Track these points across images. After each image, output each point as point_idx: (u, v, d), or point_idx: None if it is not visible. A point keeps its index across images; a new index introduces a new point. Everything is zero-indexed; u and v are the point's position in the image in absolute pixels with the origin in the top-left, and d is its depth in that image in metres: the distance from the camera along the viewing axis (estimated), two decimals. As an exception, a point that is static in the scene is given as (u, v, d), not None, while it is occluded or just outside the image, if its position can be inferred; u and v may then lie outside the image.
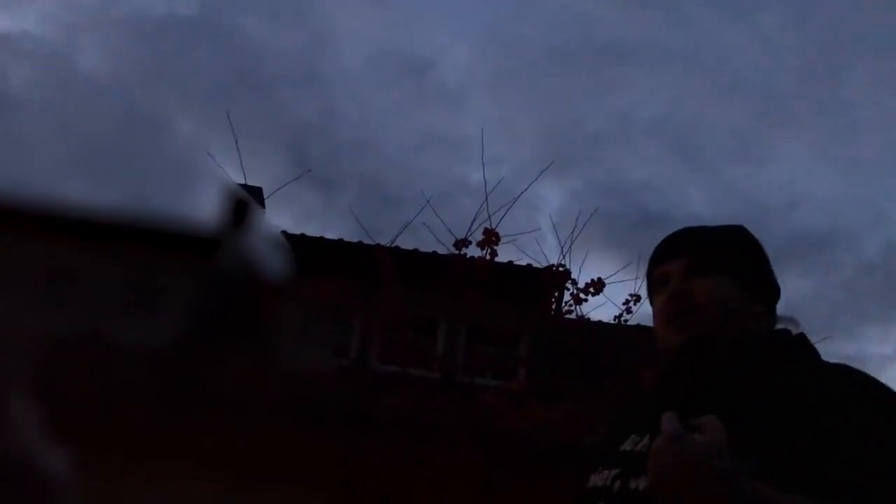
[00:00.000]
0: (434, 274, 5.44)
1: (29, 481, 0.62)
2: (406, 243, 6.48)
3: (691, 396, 1.10)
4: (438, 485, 4.68)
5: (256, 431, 0.83)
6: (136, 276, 0.78)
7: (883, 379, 1.02)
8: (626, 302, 6.08)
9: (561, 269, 6.02)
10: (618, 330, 6.37)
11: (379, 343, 6.65)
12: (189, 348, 0.77)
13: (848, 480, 0.91)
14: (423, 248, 6.81)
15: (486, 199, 5.65)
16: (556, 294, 6.34)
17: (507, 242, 5.70)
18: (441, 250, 6.00)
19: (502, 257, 5.91)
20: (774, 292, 1.25)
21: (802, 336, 1.17)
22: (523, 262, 6.58)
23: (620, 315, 6.17)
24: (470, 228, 5.73)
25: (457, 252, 5.73)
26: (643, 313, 6.19)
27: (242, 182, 5.47)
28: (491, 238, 5.63)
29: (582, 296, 6.00)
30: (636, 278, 5.76)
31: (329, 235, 7.67)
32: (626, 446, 1.14)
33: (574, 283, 6.05)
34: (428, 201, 5.71)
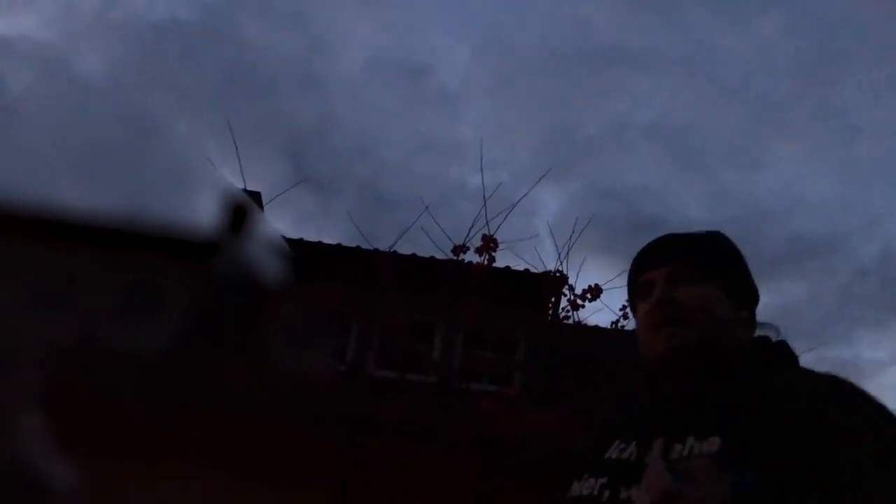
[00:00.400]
0: (431, 279, 5.45)
1: (33, 489, 0.62)
2: (404, 248, 6.48)
3: (682, 409, 1.10)
4: (435, 490, 4.67)
5: (255, 436, 0.83)
6: (135, 280, 0.78)
7: (871, 387, 1.03)
8: (623, 308, 6.09)
9: (558, 274, 6.02)
10: (615, 335, 6.37)
11: (376, 348, 6.65)
12: (188, 353, 0.77)
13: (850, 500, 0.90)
14: (420, 253, 6.82)
15: (485, 204, 5.66)
16: (553, 299, 6.34)
17: (504, 249, 5.70)
18: (439, 255, 6.01)
19: (500, 262, 5.92)
20: (755, 298, 1.25)
21: (784, 343, 1.18)
22: (521, 268, 6.59)
23: (617, 321, 6.19)
24: (468, 234, 5.73)
25: (455, 258, 5.73)
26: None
27: (241, 186, 5.47)
28: (489, 244, 5.64)
29: (579, 301, 6.00)
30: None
31: (327, 240, 7.67)
32: (612, 454, 1.14)
33: (571, 288, 6.06)
34: (427, 207, 5.71)
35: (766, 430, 0.96)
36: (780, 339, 1.19)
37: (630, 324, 6.13)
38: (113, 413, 0.70)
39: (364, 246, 6.24)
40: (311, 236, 8.54)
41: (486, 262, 5.65)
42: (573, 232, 5.90)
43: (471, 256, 5.72)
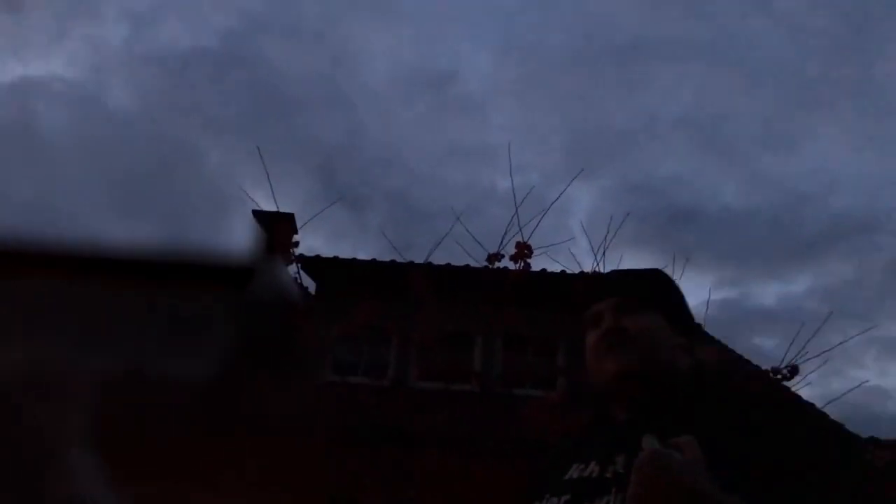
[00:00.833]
0: (468, 288, 5.44)
1: None
2: (438, 258, 6.50)
3: (634, 430, 1.12)
4: (481, 498, 4.65)
5: (300, 455, 0.83)
6: (173, 310, 0.79)
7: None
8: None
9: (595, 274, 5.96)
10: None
11: (416, 361, 6.66)
12: (231, 378, 0.78)
13: None
14: (455, 262, 6.81)
15: (517, 210, 5.63)
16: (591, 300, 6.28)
17: (539, 254, 5.67)
18: (473, 263, 5.99)
19: (535, 265, 5.88)
20: (693, 327, 1.39)
21: (722, 366, 1.28)
22: (557, 270, 6.55)
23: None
24: (502, 242, 5.71)
25: (489, 266, 5.72)
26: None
27: (274, 209, 5.53)
28: (523, 252, 5.61)
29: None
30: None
31: (361, 256, 7.72)
32: (573, 474, 1.21)
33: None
34: (458, 218, 5.70)
35: (712, 453, 1.01)
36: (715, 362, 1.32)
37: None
38: (161, 443, 0.71)
39: (398, 259, 6.26)
40: (345, 253, 8.61)
41: (521, 269, 5.63)
42: (608, 231, 5.84)
43: (505, 263, 5.69)
